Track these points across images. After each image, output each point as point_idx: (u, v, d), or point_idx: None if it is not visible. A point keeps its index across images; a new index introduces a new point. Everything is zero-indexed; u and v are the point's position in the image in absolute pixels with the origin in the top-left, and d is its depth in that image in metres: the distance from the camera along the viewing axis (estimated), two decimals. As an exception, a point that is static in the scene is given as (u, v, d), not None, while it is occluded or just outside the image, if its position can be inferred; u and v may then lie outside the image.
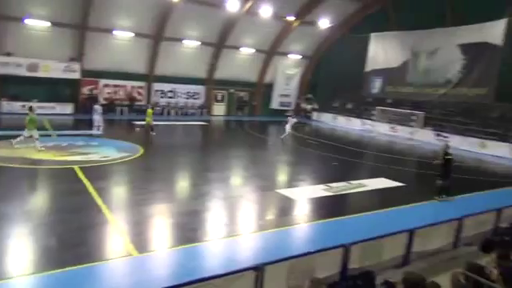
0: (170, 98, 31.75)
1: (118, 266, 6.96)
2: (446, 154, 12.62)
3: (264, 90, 35.31)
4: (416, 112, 28.13)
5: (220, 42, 30.68)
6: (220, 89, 33.75)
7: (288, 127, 22.36)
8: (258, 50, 32.97)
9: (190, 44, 29.99)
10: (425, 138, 26.41)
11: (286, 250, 6.78)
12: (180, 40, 29.35)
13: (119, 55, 27.81)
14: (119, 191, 11.77)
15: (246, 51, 32.62)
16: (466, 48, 25.47)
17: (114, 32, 26.91)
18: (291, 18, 30.42)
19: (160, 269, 6.98)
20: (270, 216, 10.44)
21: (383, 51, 30.90)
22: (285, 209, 10.92)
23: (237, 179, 14.37)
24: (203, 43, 30.25)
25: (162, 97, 31.36)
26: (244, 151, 19.61)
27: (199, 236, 8.43)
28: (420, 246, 7.83)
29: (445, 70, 26.83)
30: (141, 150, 16.58)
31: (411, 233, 7.60)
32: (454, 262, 7.61)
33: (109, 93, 29.06)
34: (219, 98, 34.20)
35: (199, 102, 33.12)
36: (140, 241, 7.88)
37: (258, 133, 26.26)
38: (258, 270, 5.47)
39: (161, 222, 9.37)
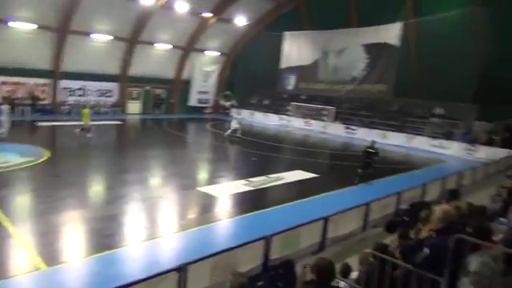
0: (80, 96, 29.51)
1: (23, 283, 6.33)
2: (369, 147, 14.29)
3: (182, 86, 34.67)
4: (327, 107, 29.98)
5: (134, 37, 29.32)
6: (135, 86, 32.29)
7: (234, 124, 22.74)
8: (174, 46, 32.20)
9: (101, 38, 28.17)
10: (336, 132, 28.27)
11: (209, 248, 6.78)
12: (89, 34, 27.41)
13: (19, 50, 24.97)
14: (22, 200, 10.66)
15: (162, 47, 31.66)
16: (369, 48, 27.78)
17: (12, 24, 24.08)
18: (207, 15, 30.27)
19: (74, 280, 6.53)
20: (192, 215, 10.34)
21: (297, 49, 32.35)
22: (206, 206, 10.90)
23: (156, 179, 13.95)
24: (115, 38, 28.63)
25: (70, 95, 29.01)
26: (162, 150, 19.08)
27: (117, 241, 8.04)
28: (334, 231, 8.42)
29: (351, 68, 28.98)
30: (47, 154, 15.20)
31: (326, 220, 8.13)
32: (364, 243, 8.33)
33: (8, 91, 26.05)
34: (134, 95, 32.70)
35: (112, 99, 31.34)
36: (49, 252, 7.25)
37: (176, 131, 25.75)
38: (181, 270, 5.41)
39: (73, 230, 8.71)
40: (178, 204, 11.11)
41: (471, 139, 23.38)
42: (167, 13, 27.88)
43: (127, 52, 29.92)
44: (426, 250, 3.73)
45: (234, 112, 24.34)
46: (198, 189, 12.22)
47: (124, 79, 31.17)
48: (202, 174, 15.49)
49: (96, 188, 12.60)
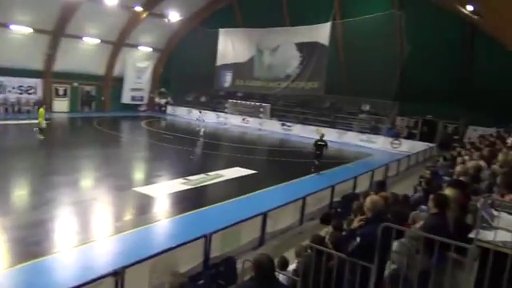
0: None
1: None
2: (319, 140, 16.08)
3: (113, 83, 33.04)
4: (264, 104, 30.51)
5: (58, 30, 27.31)
6: (62, 82, 30.13)
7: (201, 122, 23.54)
8: (104, 41, 30.57)
9: (21, 30, 25.83)
10: (273, 128, 28.89)
11: (146, 250, 6.61)
12: (6, 25, 25.01)
13: None
14: None
15: (91, 41, 29.88)
16: (301, 46, 28.71)
17: None
18: (139, 9, 29.15)
19: (-3, 294, 6.01)
20: (128, 216, 9.99)
21: (232, 46, 32.43)
22: (144, 207, 10.60)
23: (88, 181, 13.23)
24: (37, 30, 26.41)
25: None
26: (94, 150, 18.11)
27: (46, 249, 7.53)
28: (272, 226, 8.66)
29: (285, 66, 29.77)
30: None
31: (265, 215, 8.34)
32: (301, 236, 8.68)
33: None
34: (61, 92, 30.51)
35: (35, 97, 28.97)
36: (-34, 266, 6.59)
37: (108, 129, 24.52)
38: (117, 274, 5.24)
39: (-6, 239, 7.99)
40: (112, 206, 10.65)
41: (394, 133, 25.29)
42: (95, 5, 26.36)
43: (51, 46, 27.81)
44: (357, 239, 4.02)
45: (199, 116, 25.35)
46: (134, 189, 11.83)
47: (48, 75, 28.95)
48: (138, 174, 14.99)
49: (19, 193, 11.59)
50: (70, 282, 5.09)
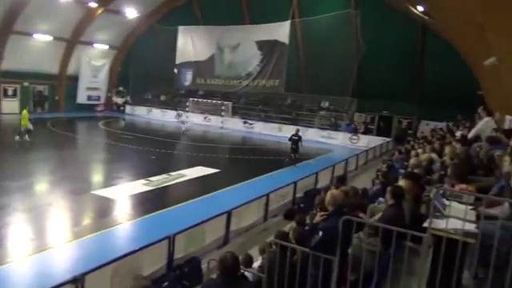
0: None
1: None
2: (295, 135, 17.46)
3: (68, 82, 31.61)
4: (225, 102, 30.39)
5: (6, 27, 25.73)
6: (11, 82, 28.41)
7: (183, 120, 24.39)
8: (56, 38, 29.14)
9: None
10: (235, 126, 28.86)
11: (108, 254, 6.41)
12: None
13: None
14: None
15: (42, 38, 28.38)
16: (262, 44, 28.86)
17: None
18: (93, 5, 28.06)
19: None
20: (87, 221, 9.64)
21: (192, 44, 32.01)
22: (104, 210, 10.26)
23: (43, 186, 12.61)
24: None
25: None
26: (49, 153, 17.29)
27: (0, 258, 7.12)
28: (237, 224, 8.68)
29: (246, 64, 29.81)
30: None
31: (229, 214, 8.34)
32: (266, 233, 8.77)
33: None
34: (10, 92, 28.79)
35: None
36: None
37: (63, 131, 23.46)
38: (77, 281, 5.06)
39: None
40: (70, 211, 10.22)
41: (353, 129, 26.08)
42: (46, 0, 25.10)
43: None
44: (320, 233, 4.12)
45: (180, 115, 25.98)
46: (93, 192, 11.43)
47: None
48: (97, 177, 14.50)
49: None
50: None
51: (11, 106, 28.59)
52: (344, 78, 23.76)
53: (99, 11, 28.92)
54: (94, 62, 33.12)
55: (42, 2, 25.26)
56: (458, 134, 12.15)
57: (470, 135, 9.00)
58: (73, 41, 30.28)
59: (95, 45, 32.37)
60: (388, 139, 23.94)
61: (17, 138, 18.37)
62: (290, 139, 17.42)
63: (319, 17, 24.50)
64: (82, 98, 32.97)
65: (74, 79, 31.98)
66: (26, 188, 11.57)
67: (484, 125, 8.94)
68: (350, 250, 4.18)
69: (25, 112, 18.79)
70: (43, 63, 29.38)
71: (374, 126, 26.85)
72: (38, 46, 28.60)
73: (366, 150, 19.66)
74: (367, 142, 24.02)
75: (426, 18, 19.12)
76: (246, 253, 5.70)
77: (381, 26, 22.96)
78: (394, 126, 26.50)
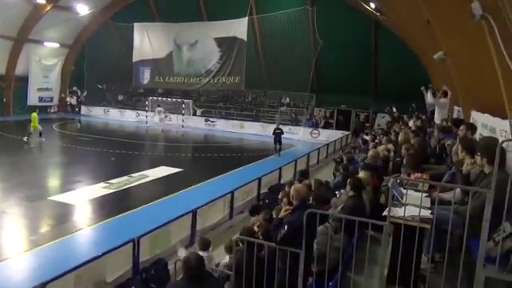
0: None
1: None
2: (277, 129, 19.72)
3: (17, 83, 29.81)
4: (186, 100, 29.95)
5: None
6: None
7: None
8: (2, 36, 27.39)
9: None
10: (196, 125, 28.57)
11: (69, 262, 6.17)
12: None
13: None
14: None
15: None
16: (220, 41, 28.66)
17: None
18: (41, 1, 26.61)
19: None
20: (45, 228, 9.21)
21: (149, 42, 31.21)
22: (62, 216, 9.84)
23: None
24: None
25: None
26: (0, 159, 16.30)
27: None
28: (202, 223, 8.64)
29: (205, 61, 29.50)
30: None
31: (194, 213, 8.28)
32: (232, 230, 8.80)
33: None
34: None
35: None
36: None
37: (14, 135, 22.14)
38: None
39: None
40: (25, 218, 9.71)
41: (313, 124, 26.64)
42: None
43: None
44: (285, 227, 4.21)
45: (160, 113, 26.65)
46: (50, 198, 10.94)
47: None
48: (54, 181, 13.86)
49: None
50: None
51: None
52: (302, 73, 24.20)
53: (48, 8, 27.46)
54: (45, 61, 31.46)
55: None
56: (411, 123, 12.78)
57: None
58: (20, 39, 28.60)
59: (45, 43, 30.72)
60: (347, 132, 24.66)
61: (25, 138, 19.31)
62: (274, 133, 19.55)
63: (276, 13, 24.74)
64: (33, 99, 31.16)
65: (24, 80, 30.23)
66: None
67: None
68: (315, 245, 4.30)
69: (35, 115, 19.92)
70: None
71: (333, 121, 27.55)
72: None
73: (327, 144, 20.14)
74: (327, 136, 24.62)
75: (378, 14, 19.81)
76: (201, 237, 5.70)
77: (336, 22, 23.53)
78: (352, 119, 27.32)
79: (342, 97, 26.21)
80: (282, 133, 19.79)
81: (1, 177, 13.42)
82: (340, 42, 23.53)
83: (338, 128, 26.21)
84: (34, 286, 4.91)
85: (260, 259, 4.55)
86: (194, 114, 29.77)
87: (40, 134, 19.81)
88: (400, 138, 8.57)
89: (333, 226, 4.63)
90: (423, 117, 13.83)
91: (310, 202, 4.87)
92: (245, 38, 27.12)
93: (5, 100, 29.65)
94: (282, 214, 4.84)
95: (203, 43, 29.25)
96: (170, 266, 6.78)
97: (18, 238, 8.52)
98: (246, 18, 26.59)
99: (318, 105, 28.09)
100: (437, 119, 10.50)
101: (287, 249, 4.14)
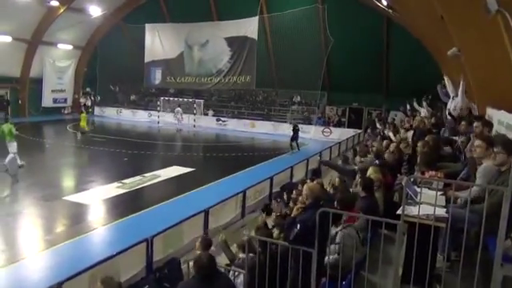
0: None
1: None
2: (295, 126, 20.76)
3: (31, 85, 30.35)
4: (197, 100, 30.11)
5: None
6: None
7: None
8: (16, 39, 27.87)
9: None
10: (208, 124, 28.68)
11: (84, 261, 6.25)
12: None
13: None
14: None
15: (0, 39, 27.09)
16: (231, 41, 28.70)
17: None
18: (55, 4, 26.99)
19: None
20: (60, 228, 9.34)
21: (160, 42, 31.43)
22: (77, 216, 9.98)
23: (9, 193, 12.09)
24: None
25: None
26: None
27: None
28: (215, 222, 8.66)
29: (216, 61, 29.57)
30: None
31: (206, 212, 8.31)
32: (245, 229, 8.79)
33: None
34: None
35: None
36: None
37: (31, 136, 22.53)
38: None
39: None
40: (41, 218, 9.89)
41: (325, 122, 26.49)
42: (2, 0, 23.92)
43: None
44: (298, 226, 4.18)
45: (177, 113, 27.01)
46: (65, 198, 11.10)
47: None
48: (68, 182, 14.06)
49: None
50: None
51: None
52: (314, 72, 24.07)
53: (61, 10, 27.88)
54: (59, 63, 31.94)
55: (-1, 2, 24.09)
56: (422, 111, 12.61)
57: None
58: (34, 42, 29.10)
59: (59, 45, 31.18)
60: (359, 131, 24.44)
61: (79, 135, 22.19)
62: (294, 130, 20.50)
63: (287, 12, 24.64)
64: (47, 100, 31.74)
65: (38, 82, 30.74)
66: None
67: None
68: (334, 246, 4.26)
69: (84, 115, 22.75)
70: (3, 65, 28.06)
71: (345, 119, 27.35)
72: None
73: (339, 143, 20.00)
74: (339, 134, 24.45)
75: (390, 11, 19.57)
76: (203, 237, 5.71)
77: (348, 20, 23.32)
78: (364, 117, 27.06)
79: (354, 95, 26.02)
80: (299, 129, 20.90)
81: (18, 179, 13.62)
82: (351, 39, 23.33)
83: (349, 126, 26.00)
84: (50, 286, 4.98)
85: (273, 258, 4.54)
86: (206, 114, 29.90)
87: (84, 133, 22.27)
88: (415, 123, 8.52)
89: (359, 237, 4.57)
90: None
91: (336, 206, 4.80)
92: (255, 37, 27.09)
93: (20, 102, 30.20)
94: (294, 212, 4.83)
95: (214, 43, 29.33)
96: (184, 266, 6.82)
97: (35, 237, 8.66)
98: (257, 18, 26.56)
99: (330, 103, 27.92)
100: (455, 109, 10.21)
101: (300, 248, 4.12)
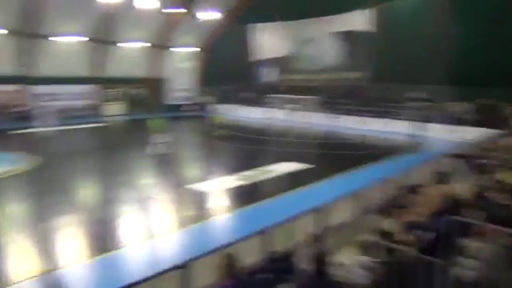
0: (54, 100, 28.52)
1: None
2: (413, 124, 20.17)
3: (159, 85, 34.16)
4: (308, 97, 29.97)
5: (105, 38, 28.80)
6: (111, 87, 31.71)
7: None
8: (147, 44, 31.75)
9: (67, 40, 27.81)
10: (319, 121, 28.19)
11: (210, 244, 6.76)
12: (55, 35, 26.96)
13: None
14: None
15: (132, 46, 31.16)
16: (340, 36, 27.94)
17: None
18: (177, 11, 29.62)
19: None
20: (189, 212, 10.31)
21: (270, 41, 32.33)
22: (201, 202, 10.97)
23: (145, 181, 13.83)
24: (91, 39, 28.15)
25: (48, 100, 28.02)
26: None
27: (115, 244, 8.15)
28: (330, 220, 8.49)
29: (326, 57, 29.13)
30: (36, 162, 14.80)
31: (318, 210, 8.20)
32: (359, 230, 8.45)
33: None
34: (111, 97, 32.03)
35: (88, 102, 30.70)
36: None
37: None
38: (184, 267, 5.39)
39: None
40: (171, 203, 11.11)
41: (451, 120, 23.73)
42: (133, 11, 26.96)
43: (100, 53, 29.35)
44: (432, 234, 3.83)
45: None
46: (189, 186, 12.28)
47: (99, 81, 30.66)
48: (194, 171, 15.49)
49: (86, 193, 12.37)
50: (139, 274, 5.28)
51: (112, 108, 31.87)
52: (434, 64, 21.94)
53: (183, 16, 30.59)
54: (181, 64, 35.26)
55: (130, 14, 27.53)
56: None
57: None
58: (161, 46, 32.64)
59: (181, 48, 34.46)
60: (494, 130, 21.29)
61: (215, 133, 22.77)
62: (411, 128, 20.41)
63: (402, 2, 22.83)
64: (171, 99, 35.32)
65: (164, 81, 34.38)
66: (125, 183, 12.81)
67: None
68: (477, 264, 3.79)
69: (218, 117, 24.48)
70: (137, 68, 32.27)
71: (473, 117, 24.19)
72: (131, 53, 31.49)
73: (470, 144, 17.75)
74: (468, 134, 21.66)
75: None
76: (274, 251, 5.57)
77: (474, 5, 20.62)
78: (502, 115, 23.47)
79: (484, 90, 22.80)
80: (417, 128, 20.35)
81: (149, 168, 15.47)
82: (479, 28, 20.55)
83: (479, 125, 22.85)
84: (182, 262, 5.45)
85: (399, 264, 4.26)
86: (316, 111, 29.63)
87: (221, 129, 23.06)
88: None
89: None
90: None
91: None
92: (367, 30, 25.84)
93: (150, 100, 34.04)
94: (413, 218, 4.46)
95: (323, 39, 28.93)
96: (298, 260, 6.85)
97: (167, 219, 9.79)
98: (367, 10, 25.27)
99: (455, 99, 25.03)
100: None
101: (428, 258, 3.78)
